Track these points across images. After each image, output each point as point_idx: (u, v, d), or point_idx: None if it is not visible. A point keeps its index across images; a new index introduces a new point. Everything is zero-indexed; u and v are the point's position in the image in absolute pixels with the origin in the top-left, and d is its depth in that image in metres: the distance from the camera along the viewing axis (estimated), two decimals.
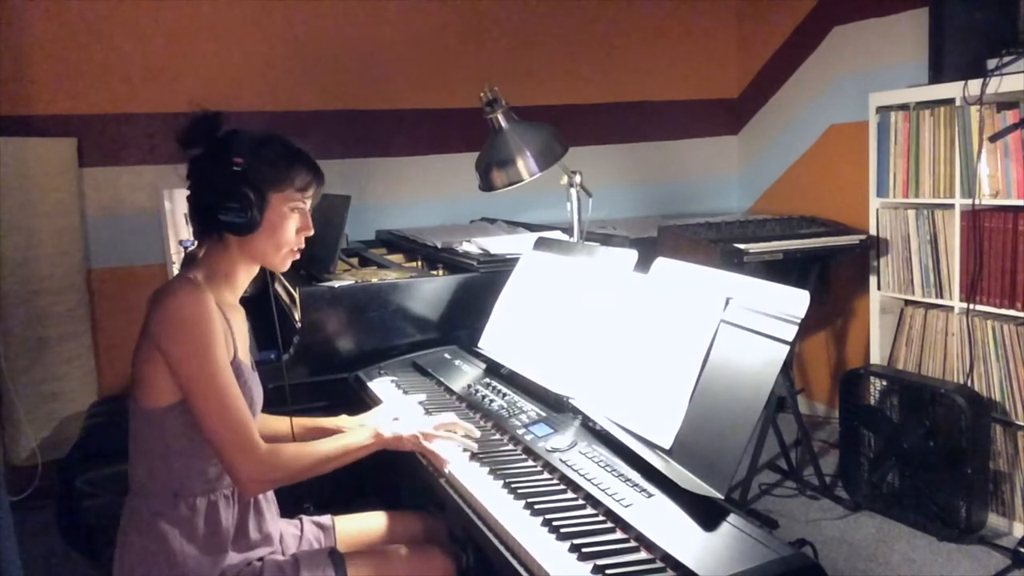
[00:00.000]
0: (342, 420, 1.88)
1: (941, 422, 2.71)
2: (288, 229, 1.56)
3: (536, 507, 1.37)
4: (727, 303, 1.48)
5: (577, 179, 2.30)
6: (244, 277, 1.60)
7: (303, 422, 1.85)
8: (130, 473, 1.53)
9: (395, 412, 1.86)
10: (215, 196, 1.48)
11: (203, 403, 1.42)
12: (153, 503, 1.48)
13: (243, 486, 1.47)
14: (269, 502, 1.63)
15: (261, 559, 1.55)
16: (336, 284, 2.37)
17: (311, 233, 1.61)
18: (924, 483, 2.77)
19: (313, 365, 2.33)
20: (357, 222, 3.69)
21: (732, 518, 1.24)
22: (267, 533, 1.59)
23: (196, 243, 1.60)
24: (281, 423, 1.82)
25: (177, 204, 3.33)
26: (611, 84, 4.27)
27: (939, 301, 2.96)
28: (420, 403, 1.93)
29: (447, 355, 2.31)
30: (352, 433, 1.61)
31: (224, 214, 1.48)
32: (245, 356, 1.57)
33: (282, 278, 2.72)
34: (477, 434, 1.67)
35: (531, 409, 1.79)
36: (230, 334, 1.51)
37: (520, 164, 2.17)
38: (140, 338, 1.48)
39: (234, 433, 1.42)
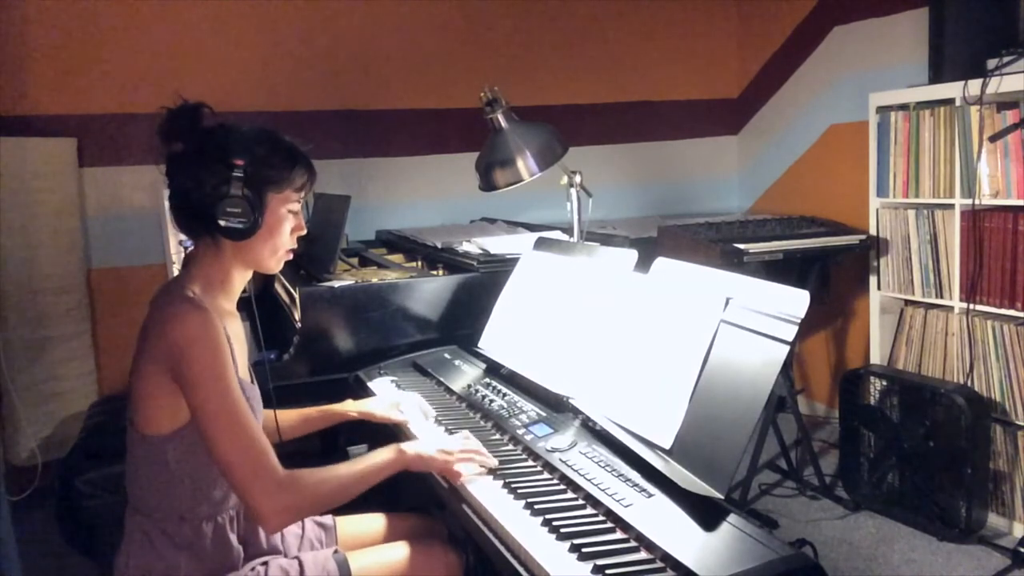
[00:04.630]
0: (347, 405, 1.91)
1: (941, 422, 2.71)
2: (285, 231, 1.51)
3: (536, 507, 1.37)
4: (727, 303, 1.48)
5: (577, 179, 2.30)
6: (239, 282, 1.54)
7: (307, 411, 1.87)
8: (129, 491, 1.48)
9: (396, 399, 1.92)
10: (211, 199, 1.41)
11: (215, 429, 1.34)
12: (158, 524, 1.44)
13: (265, 521, 1.35)
14: None
15: (265, 563, 1.54)
16: (336, 284, 2.37)
17: (304, 232, 1.56)
18: (924, 483, 2.77)
19: (313, 365, 2.33)
20: (357, 222, 3.70)
21: (732, 518, 1.24)
22: (273, 543, 1.58)
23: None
24: (289, 415, 1.82)
25: None
26: (611, 84, 4.27)
27: (939, 301, 2.96)
28: (417, 397, 1.96)
29: (447, 355, 2.31)
30: (372, 454, 1.53)
31: (224, 219, 1.40)
32: (244, 372, 1.51)
33: (282, 278, 2.73)
34: (495, 462, 1.58)
35: (531, 409, 1.79)
36: (232, 353, 1.44)
37: (520, 164, 2.17)
38: (140, 361, 1.41)
39: (248, 458, 1.34)
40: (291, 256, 1.57)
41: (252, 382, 1.57)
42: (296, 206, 1.52)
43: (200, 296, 1.44)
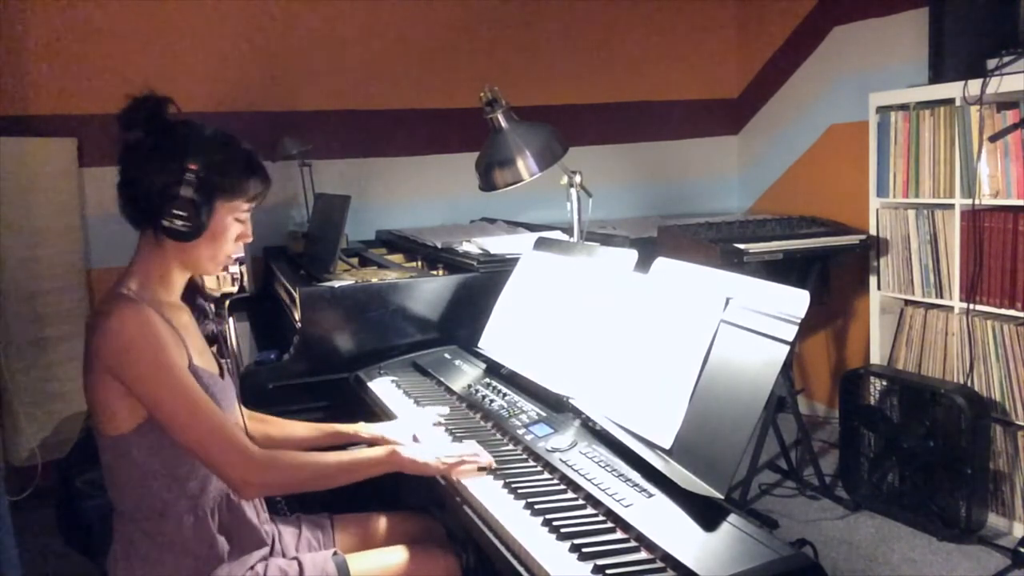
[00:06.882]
0: (360, 427, 1.81)
1: (941, 422, 2.71)
2: (229, 238, 1.48)
3: (536, 507, 1.37)
4: (727, 303, 1.48)
5: (577, 179, 2.30)
6: (179, 280, 1.52)
7: (319, 426, 1.82)
8: (110, 496, 1.48)
9: (413, 428, 1.78)
10: (159, 196, 1.39)
11: (175, 417, 1.35)
12: (140, 525, 1.44)
13: (239, 488, 1.40)
14: (255, 504, 1.60)
15: (265, 560, 1.54)
16: (336, 284, 2.37)
17: (250, 240, 1.53)
18: (924, 483, 2.77)
19: (313, 365, 2.33)
20: (357, 222, 3.70)
21: (732, 518, 1.24)
22: (259, 536, 1.57)
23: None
24: (297, 427, 1.79)
25: None
26: (611, 84, 4.27)
27: (939, 301, 2.95)
28: (439, 416, 1.84)
29: (447, 355, 2.31)
30: (365, 450, 1.54)
31: (168, 219, 1.38)
32: (201, 360, 1.48)
33: (282, 278, 2.73)
34: (494, 464, 1.57)
35: (531, 409, 1.79)
36: (180, 341, 1.43)
37: (520, 164, 2.16)
38: (86, 366, 1.40)
39: (215, 437, 1.35)
40: (232, 261, 1.54)
41: (222, 375, 1.55)
42: (244, 215, 1.50)
43: (137, 292, 1.43)
